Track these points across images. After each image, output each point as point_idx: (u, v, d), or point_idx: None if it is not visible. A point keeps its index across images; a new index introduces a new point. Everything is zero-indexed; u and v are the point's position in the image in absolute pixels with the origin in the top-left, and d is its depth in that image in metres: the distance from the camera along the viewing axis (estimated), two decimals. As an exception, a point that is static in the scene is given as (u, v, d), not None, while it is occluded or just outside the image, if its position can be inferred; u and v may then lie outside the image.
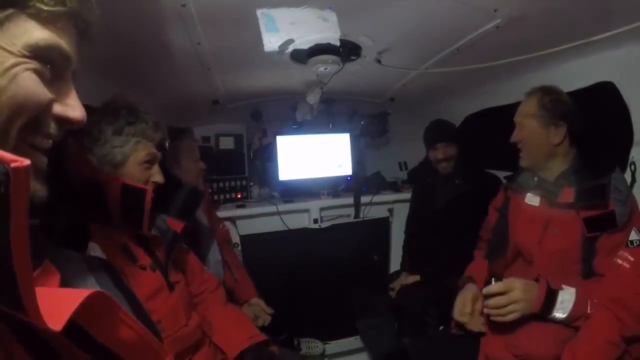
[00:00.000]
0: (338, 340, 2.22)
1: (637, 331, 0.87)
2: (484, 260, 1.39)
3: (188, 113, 2.04)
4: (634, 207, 1.09)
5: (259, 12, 1.00)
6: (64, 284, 0.48)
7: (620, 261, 0.93)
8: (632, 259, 0.90)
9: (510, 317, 1.06)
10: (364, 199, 2.24)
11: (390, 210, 2.32)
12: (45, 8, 0.39)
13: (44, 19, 0.39)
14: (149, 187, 0.96)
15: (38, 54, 0.39)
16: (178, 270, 1.14)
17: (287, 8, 0.99)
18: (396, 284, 1.81)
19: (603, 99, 1.24)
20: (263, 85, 1.85)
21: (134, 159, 0.95)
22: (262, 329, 1.32)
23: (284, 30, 1.14)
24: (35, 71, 0.39)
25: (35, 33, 0.39)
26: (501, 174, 1.72)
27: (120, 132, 0.93)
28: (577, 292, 1.02)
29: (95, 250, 0.76)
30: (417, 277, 1.76)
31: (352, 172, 2.37)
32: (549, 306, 1.02)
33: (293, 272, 2.10)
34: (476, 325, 1.21)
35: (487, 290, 1.09)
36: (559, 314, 1.02)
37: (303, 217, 2.19)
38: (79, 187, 0.88)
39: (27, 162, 0.30)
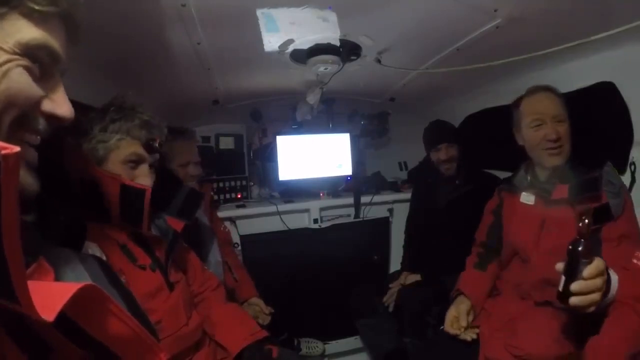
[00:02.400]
0: (338, 340, 2.21)
1: None
2: (475, 271, 1.40)
3: (188, 113, 2.04)
4: (629, 201, 1.09)
5: (259, 12, 1.00)
6: (58, 280, 0.48)
7: (637, 261, 0.95)
8: None
9: (592, 309, 0.84)
10: (364, 199, 2.24)
11: (390, 210, 2.32)
12: (37, 8, 0.40)
13: (36, 19, 0.41)
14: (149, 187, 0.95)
15: (29, 52, 0.41)
16: (178, 270, 1.14)
17: (287, 8, 0.99)
18: (396, 284, 1.80)
19: (603, 99, 1.24)
20: (263, 85, 1.84)
21: (116, 156, 0.93)
22: (262, 328, 1.32)
23: (284, 30, 1.15)
24: (26, 68, 0.41)
25: (27, 32, 0.40)
26: (501, 174, 1.72)
27: (105, 129, 0.93)
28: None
29: (94, 249, 0.76)
30: (417, 277, 1.76)
31: (352, 172, 2.36)
32: (607, 286, 0.85)
33: (293, 272, 2.09)
34: (468, 335, 1.23)
35: (596, 268, 0.81)
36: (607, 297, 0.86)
37: (303, 217, 2.18)
38: (77, 185, 0.88)
39: (16, 149, 0.31)
